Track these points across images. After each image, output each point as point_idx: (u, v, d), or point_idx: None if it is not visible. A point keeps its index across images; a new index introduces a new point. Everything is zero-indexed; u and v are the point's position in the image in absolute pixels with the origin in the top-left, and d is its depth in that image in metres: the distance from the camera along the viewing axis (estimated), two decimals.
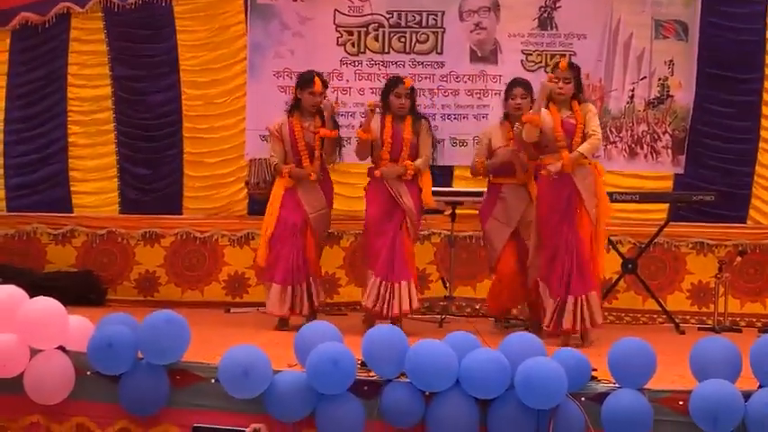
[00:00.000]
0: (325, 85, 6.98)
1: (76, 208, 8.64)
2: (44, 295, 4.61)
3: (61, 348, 4.56)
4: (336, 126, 6.91)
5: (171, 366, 4.51)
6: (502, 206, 6.85)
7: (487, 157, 6.90)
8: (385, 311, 6.58)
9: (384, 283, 6.59)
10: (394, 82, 6.86)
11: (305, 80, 6.96)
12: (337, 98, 7.90)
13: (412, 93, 6.84)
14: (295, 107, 7.01)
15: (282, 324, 6.91)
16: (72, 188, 8.66)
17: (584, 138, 6.28)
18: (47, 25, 8.55)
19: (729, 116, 8.12)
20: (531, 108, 6.45)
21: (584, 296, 6.20)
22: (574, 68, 6.43)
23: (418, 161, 6.76)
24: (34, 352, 4.50)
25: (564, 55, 8.01)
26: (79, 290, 7.86)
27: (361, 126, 6.93)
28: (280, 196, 6.96)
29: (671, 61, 8.11)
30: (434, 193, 7.50)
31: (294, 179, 6.90)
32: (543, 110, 6.31)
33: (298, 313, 6.84)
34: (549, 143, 6.32)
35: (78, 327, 4.63)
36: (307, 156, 6.93)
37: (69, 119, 8.65)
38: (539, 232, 6.44)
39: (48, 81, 8.66)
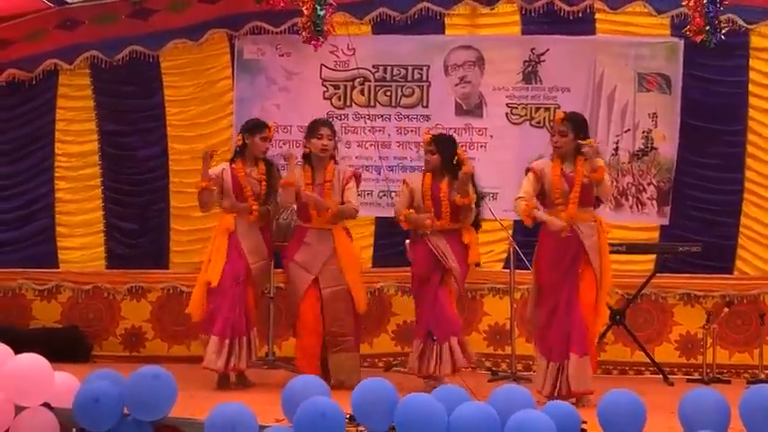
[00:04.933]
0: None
1: (63, 263, 8.61)
2: (29, 352, 4.58)
3: (47, 405, 4.51)
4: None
5: (158, 422, 4.47)
6: (306, 251, 6.81)
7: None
8: (433, 371, 6.65)
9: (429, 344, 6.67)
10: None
11: (255, 125, 7.09)
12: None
13: (438, 147, 6.86)
14: (239, 153, 7.09)
15: (223, 383, 6.85)
16: (58, 244, 8.64)
17: (584, 192, 6.25)
18: (34, 82, 8.59)
19: (713, 168, 8.18)
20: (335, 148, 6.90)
21: (580, 359, 6.08)
22: (573, 120, 6.38)
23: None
24: (19, 409, 4.46)
25: (549, 108, 8.11)
26: (64, 346, 7.81)
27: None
28: (224, 245, 6.94)
29: (654, 114, 8.18)
30: None
31: (233, 211, 6.93)
32: (545, 162, 6.41)
33: (233, 368, 6.78)
34: (549, 198, 6.33)
35: (64, 383, 4.59)
36: (253, 200, 6.97)
37: (56, 174, 8.65)
38: (538, 289, 6.34)
39: (35, 137, 8.67)
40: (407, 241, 7.61)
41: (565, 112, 6.50)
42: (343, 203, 6.90)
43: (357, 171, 7.12)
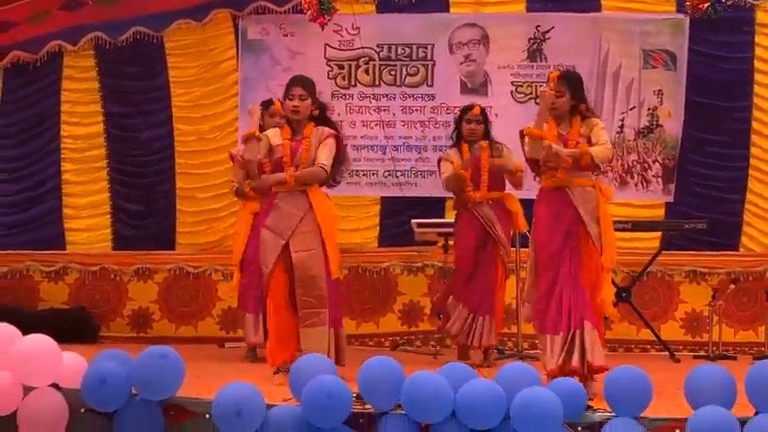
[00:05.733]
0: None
1: (69, 245, 8.63)
2: (37, 333, 4.60)
3: (55, 385, 4.53)
4: None
5: (165, 402, 4.49)
6: (277, 214, 6.00)
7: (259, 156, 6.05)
8: (470, 342, 6.91)
9: (471, 315, 6.89)
10: (464, 110, 7.15)
11: (264, 104, 6.95)
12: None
13: (484, 117, 7.07)
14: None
15: (251, 354, 7.05)
16: (65, 225, 8.65)
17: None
18: (39, 63, 8.57)
19: (719, 144, 8.17)
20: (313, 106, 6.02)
21: (584, 330, 5.46)
22: (569, 80, 5.77)
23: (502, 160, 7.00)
24: (27, 389, 4.48)
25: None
26: (72, 327, 7.83)
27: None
28: (247, 225, 7.00)
29: (660, 91, 8.17)
30: (426, 225, 7.56)
31: (259, 189, 6.45)
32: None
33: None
34: (544, 161, 5.66)
35: (72, 364, 4.60)
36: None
37: (62, 156, 8.65)
38: (536, 260, 5.74)
39: (41, 119, 8.67)
40: (413, 221, 7.64)
41: (560, 71, 5.95)
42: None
43: (338, 134, 6.19)
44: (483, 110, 7.18)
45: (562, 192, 5.64)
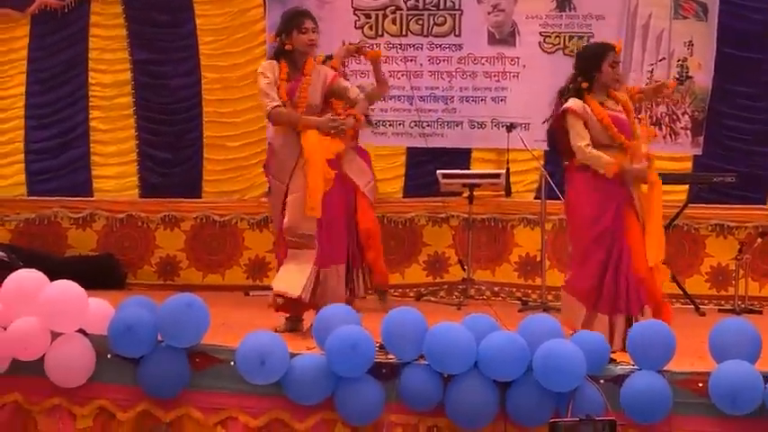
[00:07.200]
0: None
1: (97, 192, 8.68)
2: (64, 279, 4.64)
3: (81, 331, 4.59)
4: None
5: (191, 349, 4.54)
6: (275, 162, 5.82)
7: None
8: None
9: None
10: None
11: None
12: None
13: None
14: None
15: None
16: (93, 172, 8.69)
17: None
18: (66, 10, 8.57)
19: (749, 97, 8.06)
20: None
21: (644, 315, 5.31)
22: None
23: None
24: (55, 335, 4.54)
25: (582, 37, 7.99)
26: (99, 274, 7.89)
27: None
28: None
29: (690, 42, 8.06)
30: (452, 176, 7.54)
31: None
32: (577, 101, 5.48)
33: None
34: (602, 141, 5.43)
35: (98, 310, 4.66)
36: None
37: (90, 104, 8.68)
38: (580, 236, 5.49)
39: (68, 66, 8.69)
40: (439, 171, 7.61)
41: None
42: (350, 98, 5.82)
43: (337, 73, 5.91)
44: None
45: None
